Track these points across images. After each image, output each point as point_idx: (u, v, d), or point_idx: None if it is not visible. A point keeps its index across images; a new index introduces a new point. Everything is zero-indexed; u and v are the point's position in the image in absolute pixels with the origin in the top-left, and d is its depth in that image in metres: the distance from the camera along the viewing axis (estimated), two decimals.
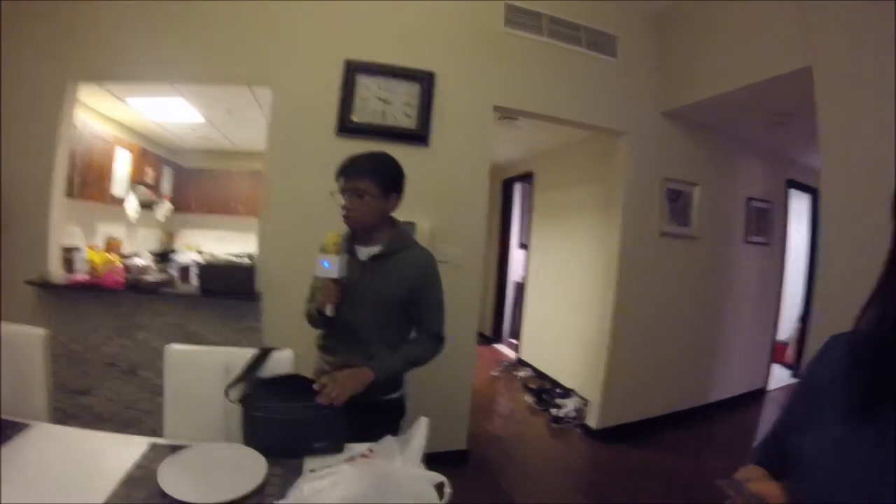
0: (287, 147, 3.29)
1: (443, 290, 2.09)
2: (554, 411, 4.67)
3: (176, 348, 1.89)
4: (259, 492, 1.37)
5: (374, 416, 1.79)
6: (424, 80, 3.41)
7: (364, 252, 2.01)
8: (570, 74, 3.87)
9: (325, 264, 1.85)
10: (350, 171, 1.97)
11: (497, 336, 7.57)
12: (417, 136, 3.42)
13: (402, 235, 2.09)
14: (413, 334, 2.10)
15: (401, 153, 3.30)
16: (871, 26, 2.54)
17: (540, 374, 5.82)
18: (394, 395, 2.06)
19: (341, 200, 1.96)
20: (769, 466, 0.91)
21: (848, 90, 2.66)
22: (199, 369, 1.86)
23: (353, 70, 3.31)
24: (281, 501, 1.30)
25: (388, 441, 1.52)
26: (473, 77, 3.58)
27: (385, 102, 3.36)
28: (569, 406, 4.66)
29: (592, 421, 4.41)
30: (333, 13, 3.36)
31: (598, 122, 4.09)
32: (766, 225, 5.45)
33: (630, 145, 4.16)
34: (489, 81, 3.63)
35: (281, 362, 1.86)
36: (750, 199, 5.25)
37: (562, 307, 5.64)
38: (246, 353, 1.84)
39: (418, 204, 3.38)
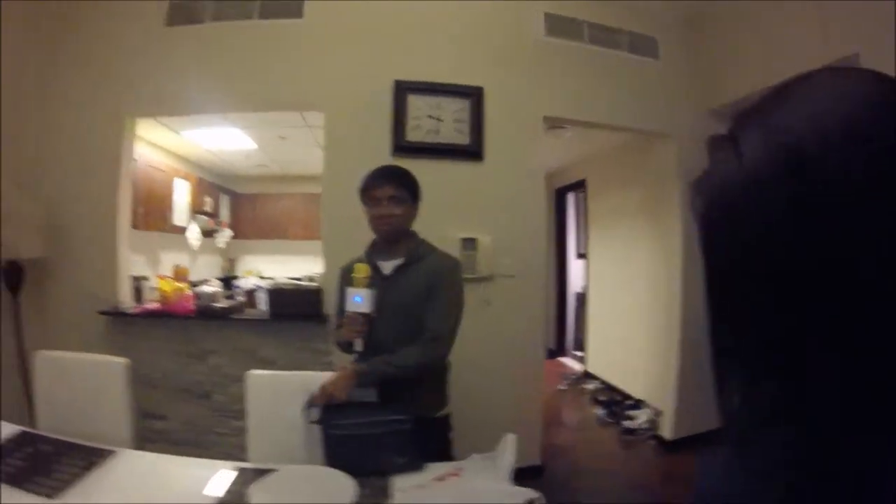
0: (343, 169, 3.32)
1: (458, 295, 2.03)
2: (626, 423, 4.54)
3: (257, 374, 1.94)
4: None
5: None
6: (473, 96, 3.42)
7: (387, 266, 2.02)
8: (614, 79, 3.82)
9: (357, 299, 1.85)
10: (387, 178, 2.01)
11: (561, 349, 7.42)
12: (471, 151, 3.42)
13: (423, 244, 2.10)
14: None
15: (456, 170, 3.38)
16: None
17: (608, 386, 5.67)
18: (440, 413, 2.04)
19: (380, 209, 1.98)
20: None
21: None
22: (280, 393, 1.91)
23: (402, 90, 3.34)
24: None
25: (475, 459, 1.49)
26: (520, 89, 3.57)
27: (437, 120, 3.38)
28: (641, 417, 4.52)
29: (666, 431, 4.26)
30: (379, 35, 3.42)
31: (645, 125, 4.01)
32: None
33: (680, 146, 4.05)
34: (536, 92, 3.61)
35: None
36: None
37: (626, 316, 5.49)
38: (325, 376, 1.84)
39: (477, 219, 3.39)
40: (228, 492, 1.50)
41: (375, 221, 2.01)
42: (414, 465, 1.63)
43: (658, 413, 4.48)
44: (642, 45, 3.87)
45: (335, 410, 1.71)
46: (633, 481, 3.80)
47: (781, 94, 0.47)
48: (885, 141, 0.40)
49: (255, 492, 1.44)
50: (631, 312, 5.37)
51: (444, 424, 2.03)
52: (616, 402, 5.04)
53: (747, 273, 0.46)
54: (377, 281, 1.97)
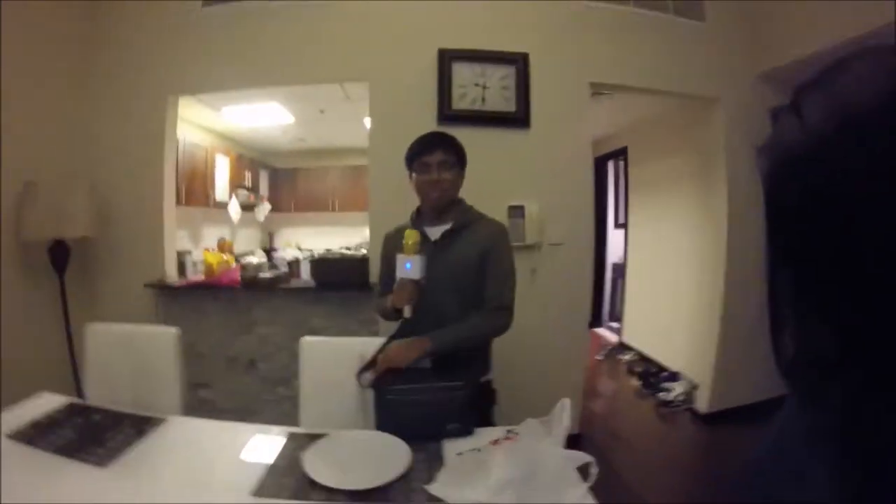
0: (389, 140, 3.32)
1: (513, 262, 2.03)
2: (662, 395, 4.53)
3: (310, 340, 1.95)
4: (405, 476, 1.39)
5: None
6: (519, 63, 3.37)
7: (435, 231, 2.02)
8: (660, 42, 3.71)
9: (408, 266, 1.83)
10: (437, 144, 2.01)
11: (597, 319, 7.37)
12: (517, 119, 3.38)
13: (470, 210, 2.11)
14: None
15: (503, 138, 3.37)
16: None
17: (644, 358, 5.65)
18: (485, 378, 2.06)
19: (431, 175, 1.98)
20: None
21: None
22: (333, 359, 1.92)
23: (447, 58, 3.32)
24: (434, 486, 1.31)
25: (531, 423, 1.51)
26: (565, 54, 3.51)
27: (483, 87, 3.35)
28: (677, 389, 4.51)
29: (703, 404, 4.25)
30: (421, 4, 3.39)
31: (692, 89, 3.90)
32: None
33: (727, 111, 3.94)
34: (581, 57, 3.54)
35: None
36: None
37: (665, 287, 5.43)
38: (377, 342, 1.88)
39: (524, 187, 3.38)
40: (281, 456, 1.51)
41: (426, 187, 2.00)
42: (467, 430, 1.66)
43: (694, 386, 4.46)
44: (687, 8, 3.76)
45: (387, 375, 1.74)
46: (669, 452, 3.81)
47: (840, 66, 0.50)
48: None
49: (309, 456, 1.45)
50: (670, 284, 5.31)
51: (489, 389, 2.06)
52: (652, 373, 5.02)
53: (810, 223, 0.50)
54: (426, 247, 1.95)
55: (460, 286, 1.97)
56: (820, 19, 3.35)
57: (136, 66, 3.48)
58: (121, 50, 3.49)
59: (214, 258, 3.56)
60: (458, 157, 2.04)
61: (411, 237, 1.85)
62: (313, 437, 1.60)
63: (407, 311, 1.86)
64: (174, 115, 3.62)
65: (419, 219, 2.11)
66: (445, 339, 1.85)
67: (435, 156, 1.99)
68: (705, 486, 3.30)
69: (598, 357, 5.95)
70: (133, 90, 3.48)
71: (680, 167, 5.11)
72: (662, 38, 3.73)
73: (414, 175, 2.04)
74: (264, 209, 7.32)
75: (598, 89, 3.71)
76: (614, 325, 6.87)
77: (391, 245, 2.10)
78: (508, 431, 1.54)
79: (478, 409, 1.84)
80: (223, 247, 5.14)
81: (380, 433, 1.63)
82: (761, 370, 4.19)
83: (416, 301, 1.86)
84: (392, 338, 1.89)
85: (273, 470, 1.43)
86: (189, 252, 3.91)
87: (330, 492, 1.31)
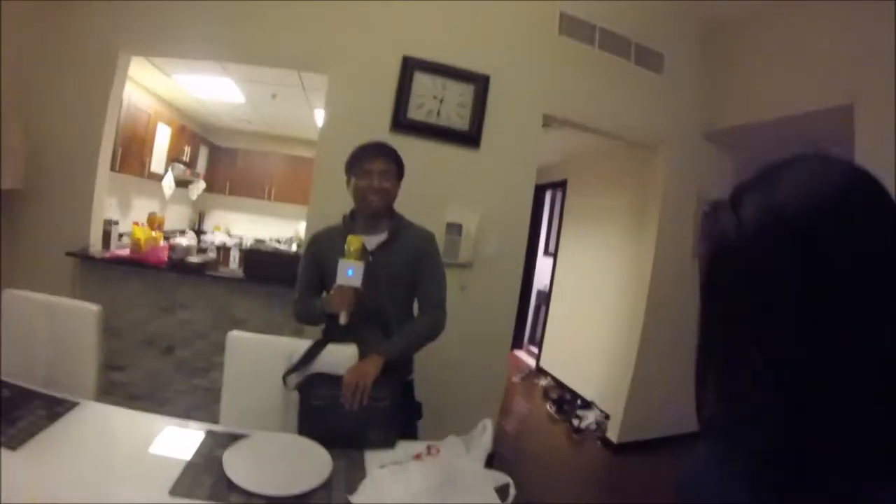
0: (339, 136, 3.27)
1: (442, 264, 2.17)
2: (575, 422, 4.67)
3: (238, 335, 1.89)
4: (326, 485, 1.38)
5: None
6: (480, 83, 3.41)
7: (371, 241, 2.05)
8: (617, 87, 3.87)
9: (350, 272, 1.84)
10: (382, 153, 2.07)
11: (518, 342, 7.51)
12: (469, 137, 3.42)
13: (401, 220, 2.16)
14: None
15: (452, 154, 3.39)
16: None
17: (559, 384, 5.80)
18: (406, 378, 2.15)
19: (372, 182, 2.01)
20: None
21: (888, 132, 2.66)
22: (260, 357, 1.86)
23: (410, 66, 3.31)
24: (357, 497, 1.31)
25: (452, 440, 1.53)
26: (526, 82, 3.58)
27: (440, 101, 3.37)
28: (590, 418, 4.66)
29: (613, 434, 4.40)
30: (393, 7, 3.37)
31: (641, 136, 4.09)
32: None
33: (668, 161, 4.16)
34: (540, 88, 3.63)
35: (346, 355, 1.86)
36: None
37: (586, 318, 5.62)
38: (305, 343, 1.86)
39: (466, 205, 3.41)
40: (198, 454, 1.46)
41: (366, 193, 2.03)
42: (389, 441, 1.67)
43: (606, 416, 4.62)
44: (649, 59, 3.93)
45: (315, 380, 1.73)
46: (578, 476, 3.96)
47: (777, 171, 0.60)
48: (860, 223, 0.53)
49: (229, 456, 1.42)
50: (591, 316, 5.50)
51: (414, 403, 2.14)
52: (567, 400, 5.16)
53: (737, 306, 0.60)
54: (362, 255, 1.98)
55: (396, 293, 2.07)
56: (768, 92, 3.61)
57: (96, 14, 3.26)
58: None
59: (143, 233, 3.39)
60: (398, 168, 2.10)
61: (354, 243, 1.85)
62: (233, 437, 1.56)
63: (343, 318, 1.86)
64: (123, 73, 3.43)
65: (353, 224, 2.12)
66: (396, 350, 1.92)
67: (378, 163, 2.04)
68: None
69: (516, 378, 6.05)
70: (88, 39, 3.25)
71: (615, 205, 5.33)
72: (620, 82, 3.88)
73: (353, 180, 2.06)
74: (199, 187, 7.07)
75: (549, 121, 3.81)
76: (533, 349, 7.01)
77: (321, 247, 2.12)
78: (429, 447, 1.55)
79: (402, 422, 1.88)
80: (153, 222, 4.92)
81: (302, 438, 1.62)
82: (671, 407, 4.39)
83: (352, 307, 1.86)
84: (324, 342, 1.86)
85: (190, 468, 1.39)
86: (116, 222, 3.70)
87: (249, 495, 1.29)
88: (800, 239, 0.52)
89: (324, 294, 2.08)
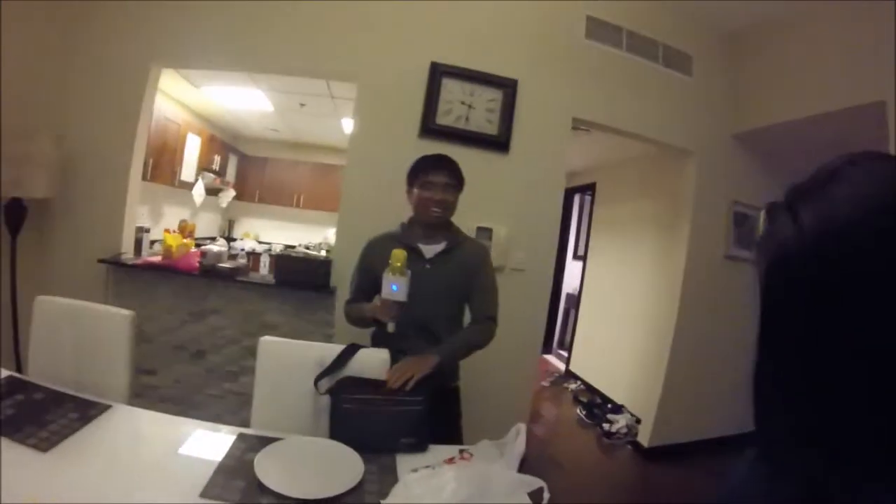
0: (368, 144, 3.34)
1: (496, 278, 2.21)
2: (606, 426, 4.62)
3: (269, 340, 1.89)
4: (358, 489, 1.37)
5: (438, 403, 1.87)
6: (508, 88, 3.40)
7: (429, 250, 2.11)
8: (646, 90, 3.83)
9: (394, 287, 1.84)
10: (446, 166, 2.10)
11: (547, 346, 7.47)
12: (498, 142, 3.41)
13: (459, 231, 2.21)
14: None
15: (481, 159, 3.39)
16: None
17: (589, 388, 5.75)
18: (453, 384, 2.22)
19: (435, 194, 2.06)
20: None
21: None
22: (291, 362, 1.87)
23: (439, 73, 3.32)
24: (388, 501, 1.31)
25: (485, 444, 1.52)
26: (554, 87, 3.57)
27: (469, 107, 3.37)
28: (620, 422, 4.60)
29: (644, 439, 4.35)
30: (420, 14, 3.40)
31: (670, 139, 4.03)
32: None
33: (699, 165, 4.10)
34: (568, 92, 3.61)
35: (377, 360, 1.87)
36: None
37: (616, 322, 5.56)
38: (337, 349, 1.86)
39: (495, 211, 3.41)
40: (229, 456, 1.46)
41: (427, 204, 2.07)
42: (421, 446, 1.65)
43: (637, 420, 4.56)
44: (677, 61, 3.89)
45: (346, 384, 1.73)
46: (610, 481, 3.91)
47: (835, 175, 0.56)
48: None
49: (260, 459, 1.42)
50: (621, 319, 5.44)
51: (458, 394, 2.22)
52: (597, 404, 5.10)
53: (797, 320, 0.56)
54: (420, 264, 2.04)
55: (450, 302, 2.13)
56: (799, 91, 3.55)
57: (126, 28, 3.34)
58: (115, 9, 3.34)
59: (174, 240, 3.45)
60: (459, 182, 2.13)
61: (399, 258, 1.85)
62: (264, 440, 1.56)
63: (391, 327, 1.90)
64: (154, 85, 3.50)
65: (411, 232, 2.17)
66: (450, 353, 1.98)
67: (442, 176, 2.08)
68: None
69: (545, 383, 6.01)
70: (119, 52, 3.33)
71: (645, 209, 5.28)
72: (649, 85, 3.84)
73: (416, 191, 2.10)
74: (228, 195, 7.19)
75: (579, 125, 3.79)
76: (563, 353, 6.96)
77: (375, 254, 2.12)
78: (462, 451, 1.54)
79: (449, 427, 2.02)
80: (185, 229, 5.01)
81: (333, 442, 1.61)
82: (702, 411, 4.33)
83: (398, 318, 1.89)
84: (355, 347, 1.87)
85: (221, 470, 1.39)
86: (148, 230, 3.77)
87: (280, 498, 1.28)
88: (862, 249, 0.50)
89: (375, 299, 2.06)
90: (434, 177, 2.07)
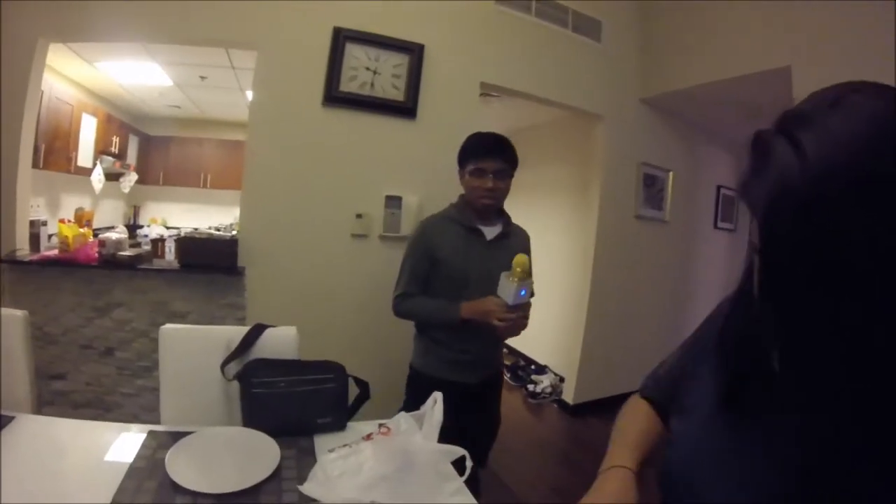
0: (270, 115, 3.17)
1: None
2: (531, 387, 4.73)
3: (171, 328, 1.77)
4: (276, 476, 1.33)
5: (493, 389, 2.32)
6: (414, 53, 3.32)
7: (489, 231, 2.10)
8: (555, 55, 3.86)
9: (522, 293, 1.89)
10: (500, 151, 2.04)
11: None
12: (405, 108, 3.33)
13: (507, 215, 2.23)
14: None
15: (388, 126, 3.31)
16: (849, 28, 2.67)
17: (512, 351, 5.86)
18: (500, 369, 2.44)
19: (486, 182, 2.01)
20: (661, 399, 1.00)
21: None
22: (197, 350, 1.76)
23: (342, 38, 3.19)
24: (307, 485, 1.26)
25: (403, 417, 1.49)
26: (462, 52, 3.52)
27: (374, 73, 3.26)
28: (545, 382, 4.73)
29: (569, 396, 4.49)
30: None
31: (580, 104, 4.10)
32: (733, 212, 5.74)
33: (609, 129, 4.23)
34: (477, 57, 3.57)
35: (285, 339, 1.80)
36: (720, 186, 5.51)
37: (536, 285, 5.65)
38: (243, 331, 1.77)
39: (405, 179, 3.36)
40: (140, 457, 1.38)
41: (480, 192, 2.03)
42: (339, 424, 1.62)
43: (561, 379, 4.70)
44: (586, 27, 3.94)
45: (255, 367, 1.66)
46: (536, 439, 4.04)
47: (838, 102, 0.53)
48: None
49: (171, 456, 1.35)
50: (541, 283, 5.49)
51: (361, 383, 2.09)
52: (521, 366, 5.23)
53: (808, 259, 0.51)
54: (481, 246, 2.07)
55: None
56: (706, 56, 3.69)
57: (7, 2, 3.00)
58: None
59: (70, 230, 3.20)
60: (513, 164, 2.08)
61: (521, 264, 1.86)
62: (176, 436, 1.48)
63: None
64: (42, 62, 3.16)
65: (468, 213, 2.11)
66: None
67: (494, 163, 2.02)
68: (570, 472, 3.55)
69: None
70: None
71: (558, 173, 5.40)
72: (558, 51, 3.87)
73: (466, 176, 2.06)
74: (130, 179, 6.76)
75: (488, 90, 3.77)
76: None
77: (433, 237, 2.10)
78: (381, 426, 1.51)
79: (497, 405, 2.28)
80: (80, 218, 4.67)
81: (246, 430, 1.55)
82: (621, 366, 4.51)
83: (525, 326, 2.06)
84: (262, 327, 1.79)
85: (132, 474, 1.30)
86: (44, 222, 3.48)
87: (196, 496, 1.22)
88: (870, 177, 0.47)
89: (461, 302, 2.06)
90: (485, 163, 2.00)
